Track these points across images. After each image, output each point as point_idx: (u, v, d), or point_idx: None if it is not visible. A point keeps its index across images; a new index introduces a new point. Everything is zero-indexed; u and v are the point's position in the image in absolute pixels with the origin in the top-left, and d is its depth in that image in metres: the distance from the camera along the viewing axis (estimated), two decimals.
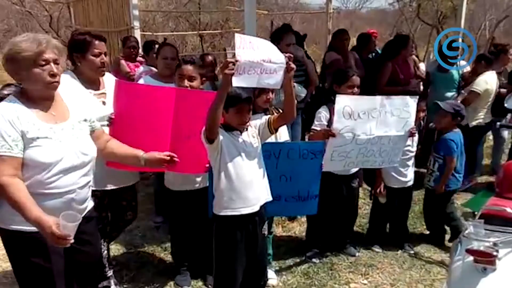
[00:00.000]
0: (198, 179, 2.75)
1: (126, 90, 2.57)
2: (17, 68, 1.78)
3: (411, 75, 4.55)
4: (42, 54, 1.76)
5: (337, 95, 2.77)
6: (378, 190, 3.36)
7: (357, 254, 3.36)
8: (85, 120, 2.00)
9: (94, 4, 5.91)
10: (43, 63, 1.76)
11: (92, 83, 2.52)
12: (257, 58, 2.05)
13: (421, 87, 5.54)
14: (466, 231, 2.06)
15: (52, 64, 1.79)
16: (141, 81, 3.41)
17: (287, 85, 2.24)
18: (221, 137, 2.22)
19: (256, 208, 2.33)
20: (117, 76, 3.85)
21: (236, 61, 1.99)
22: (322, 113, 3.02)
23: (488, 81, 4.57)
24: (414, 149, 3.38)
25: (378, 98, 2.91)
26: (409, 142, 3.24)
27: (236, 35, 2.05)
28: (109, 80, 2.62)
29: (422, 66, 6.15)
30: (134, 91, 2.61)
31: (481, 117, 4.63)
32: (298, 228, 3.79)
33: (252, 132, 2.38)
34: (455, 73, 4.89)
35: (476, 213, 2.30)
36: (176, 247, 3.04)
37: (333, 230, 3.34)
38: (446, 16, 13.08)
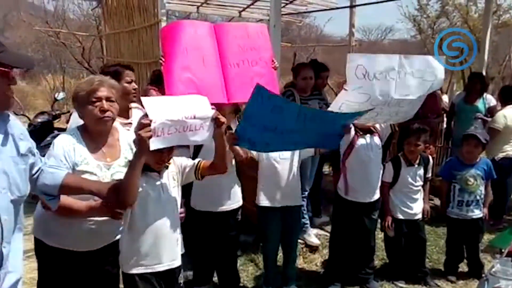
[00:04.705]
0: (224, 201, 2.77)
1: (172, 34, 2.63)
2: (77, 106, 1.98)
3: (435, 110, 4.51)
4: (94, 92, 1.92)
5: (350, 54, 2.70)
6: (387, 224, 3.31)
7: None
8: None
9: (125, 38, 6.19)
10: (95, 100, 1.92)
11: (122, 111, 2.48)
12: (176, 117, 1.86)
13: (444, 120, 5.52)
14: (493, 269, 2.01)
15: (104, 101, 1.92)
16: None
17: (218, 138, 2.04)
18: None
19: (173, 265, 2.08)
20: None
21: (151, 121, 1.78)
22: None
23: (507, 115, 4.50)
24: (420, 183, 3.32)
25: (396, 56, 2.68)
26: (410, 177, 3.24)
27: (142, 98, 1.93)
28: (137, 114, 2.70)
29: (445, 98, 6.15)
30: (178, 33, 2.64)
31: (508, 149, 4.53)
32: (320, 259, 3.74)
33: (173, 173, 2.09)
34: (480, 105, 4.83)
35: (503, 250, 2.25)
36: (199, 274, 3.04)
37: (355, 262, 3.30)
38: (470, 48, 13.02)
